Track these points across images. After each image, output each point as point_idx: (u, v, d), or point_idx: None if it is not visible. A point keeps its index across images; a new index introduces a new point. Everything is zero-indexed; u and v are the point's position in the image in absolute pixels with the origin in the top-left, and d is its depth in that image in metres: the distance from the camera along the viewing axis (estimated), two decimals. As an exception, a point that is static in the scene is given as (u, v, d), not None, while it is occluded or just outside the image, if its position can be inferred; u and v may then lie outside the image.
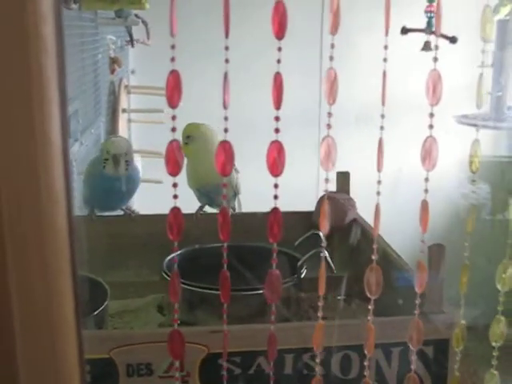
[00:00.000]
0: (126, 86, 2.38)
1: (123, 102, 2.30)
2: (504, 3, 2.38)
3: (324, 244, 0.56)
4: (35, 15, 0.37)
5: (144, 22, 2.21)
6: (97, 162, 1.23)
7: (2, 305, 0.38)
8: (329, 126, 0.54)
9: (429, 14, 1.62)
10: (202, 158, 1.16)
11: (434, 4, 1.57)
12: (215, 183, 1.15)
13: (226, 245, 0.53)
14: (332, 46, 0.52)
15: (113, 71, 2.11)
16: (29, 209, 0.37)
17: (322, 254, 0.81)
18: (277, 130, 0.53)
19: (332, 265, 0.96)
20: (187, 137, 1.18)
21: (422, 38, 1.71)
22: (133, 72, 2.66)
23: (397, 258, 1.00)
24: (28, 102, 0.37)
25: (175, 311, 0.53)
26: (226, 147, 0.52)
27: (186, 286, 0.93)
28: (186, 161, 1.16)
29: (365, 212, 1.18)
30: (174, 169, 0.51)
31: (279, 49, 0.52)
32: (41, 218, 0.38)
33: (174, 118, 0.51)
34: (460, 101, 1.96)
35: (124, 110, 2.32)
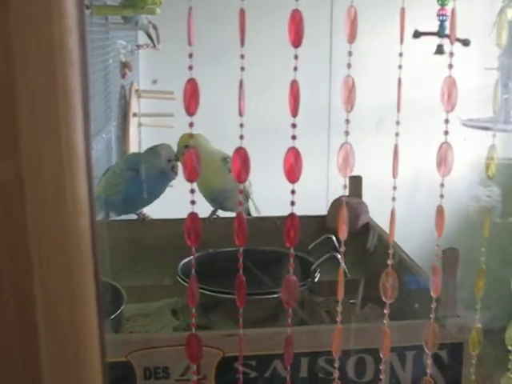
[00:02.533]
0: (137, 91, 2.39)
1: (134, 107, 2.31)
2: (510, 5, 2.37)
3: (341, 249, 0.56)
4: (61, 28, 0.37)
5: (154, 27, 2.22)
6: (147, 164, 1.24)
7: (27, 312, 0.38)
8: (347, 133, 0.54)
9: (441, 18, 1.61)
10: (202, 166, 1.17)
11: (446, 7, 1.57)
12: (219, 188, 1.18)
13: (241, 249, 0.54)
14: (349, 53, 0.53)
15: (124, 76, 2.12)
16: (54, 219, 0.38)
17: (339, 259, 0.81)
18: (293, 137, 0.53)
19: (346, 269, 0.97)
20: (185, 147, 1.19)
21: (435, 41, 1.70)
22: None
23: (410, 261, 1.00)
24: (54, 114, 0.37)
25: (193, 316, 0.54)
26: (241, 154, 0.52)
27: (200, 290, 0.94)
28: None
29: (377, 216, 1.19)
30: (191, 175, 0.52)
31: (295, 56, 0.52)
32: (66, 229, 0.38)
33: (191, 124, 0.52)
34: (467, 104, 1.96)
35: (134, 115, 2.32)
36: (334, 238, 1.02)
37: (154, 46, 2.18)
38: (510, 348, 0.65)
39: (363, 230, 1.17)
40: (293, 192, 0.53)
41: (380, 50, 2.28)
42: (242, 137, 0.53)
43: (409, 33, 1.83)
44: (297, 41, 0.52)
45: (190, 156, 0.52)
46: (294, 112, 0.53)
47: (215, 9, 2.45)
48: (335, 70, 2.74)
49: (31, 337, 0.38)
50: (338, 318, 0.58)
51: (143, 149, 2.51)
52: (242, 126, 0.53)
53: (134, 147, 2.28)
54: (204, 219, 1.21)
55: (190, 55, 0.50)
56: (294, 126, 0.53)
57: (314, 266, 0.98)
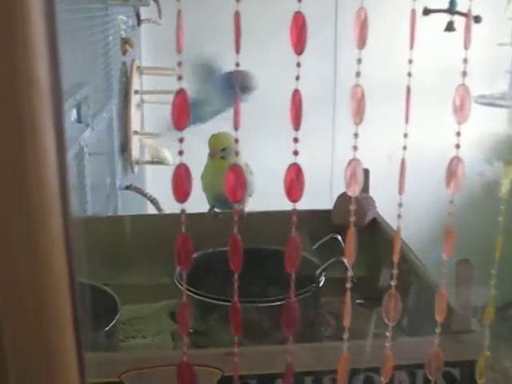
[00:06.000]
0: (139, 67, 2.33)
1: (135, 84, 2.25)
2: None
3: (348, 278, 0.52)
4: (25, 48, 0.33)
5: (156, 1, 2.17)
6: None
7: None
8: (355, 148, 0.49)
9: (451, -6, 1.56)
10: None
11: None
12: None
13: (236, 275, 0.50)
14: (359, 61, 0.47)
15: (125, 52, 2.07)
16: (26, 253, 0.35)
17: (346, 264, 0.76)
18: (295, 153, 0.48)
19: (351, 272, 0.92)
20: (223, 150, 1.07)
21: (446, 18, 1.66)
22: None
23: (420, 265, 0.96)
24: (21, 151, 0.33)
25: (184, 344, 0.49)
26: (237, 172, 0.48)
27: (198, 297, 0.89)
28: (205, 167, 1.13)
29: (384, 210, 1.14)
30: (182, 196, 0.47)
31: (298, 64, 0.47)
32: (37, 261, 0.35)
33: (181, 140, 0.47)
34: (477, 80, 1.92)
35: (136, 92, 2.27)
36: (340, 238, 0.97)
37: (139, 24, 2.14)
38: None
39: (371, 226, 1.13)
40: (293, 212, 0.49)
41: (389, 27, 2.22)
42: (237, 153, 0.48)
43: (418, 10, 1.76)
44: (299, 46, 0.47)
45: (179, 175, 0.47)
46: (296, 125, 0.48)
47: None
48: (340, 46, 2.68)
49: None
50: (345, 346, 0.54)
51: (146, 127, 2.48)
52: (237, 141, 0.48)
53: (135, 125, 2.24)
54: (203, 214, 1.15)
55: (179, 63, 0.46)
56: (296, 140, 0.48)
57: (319, 271, 0.93)
